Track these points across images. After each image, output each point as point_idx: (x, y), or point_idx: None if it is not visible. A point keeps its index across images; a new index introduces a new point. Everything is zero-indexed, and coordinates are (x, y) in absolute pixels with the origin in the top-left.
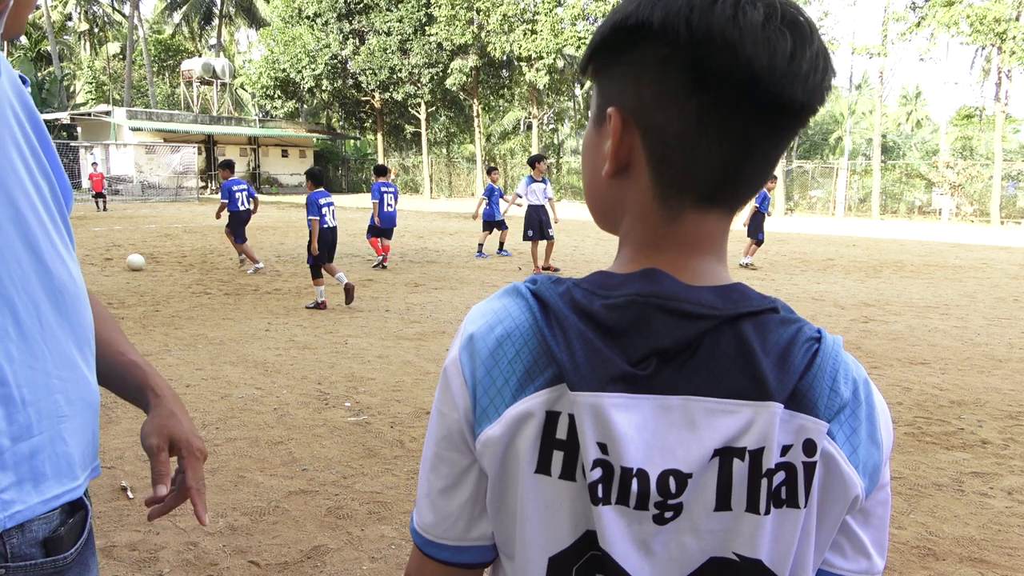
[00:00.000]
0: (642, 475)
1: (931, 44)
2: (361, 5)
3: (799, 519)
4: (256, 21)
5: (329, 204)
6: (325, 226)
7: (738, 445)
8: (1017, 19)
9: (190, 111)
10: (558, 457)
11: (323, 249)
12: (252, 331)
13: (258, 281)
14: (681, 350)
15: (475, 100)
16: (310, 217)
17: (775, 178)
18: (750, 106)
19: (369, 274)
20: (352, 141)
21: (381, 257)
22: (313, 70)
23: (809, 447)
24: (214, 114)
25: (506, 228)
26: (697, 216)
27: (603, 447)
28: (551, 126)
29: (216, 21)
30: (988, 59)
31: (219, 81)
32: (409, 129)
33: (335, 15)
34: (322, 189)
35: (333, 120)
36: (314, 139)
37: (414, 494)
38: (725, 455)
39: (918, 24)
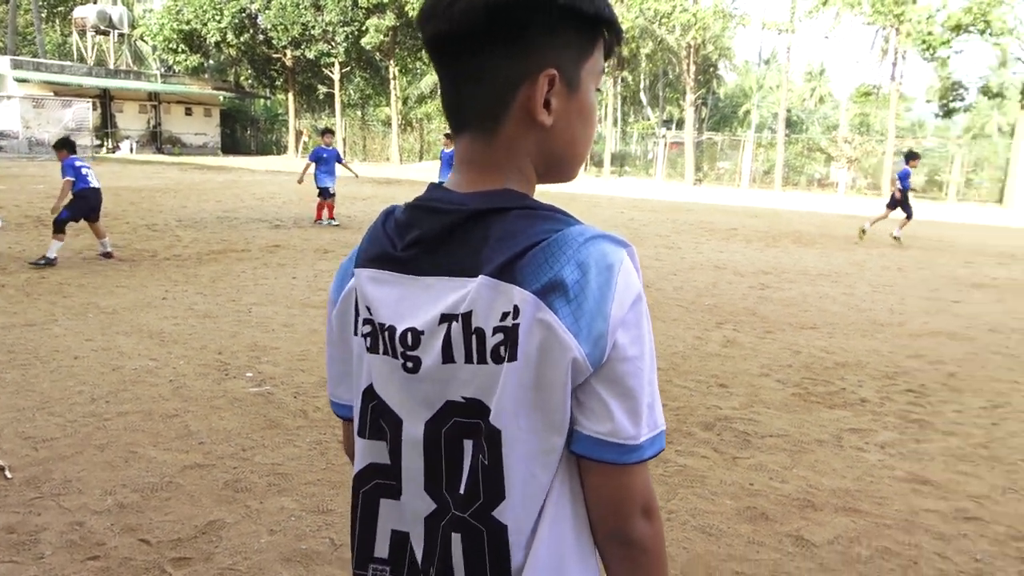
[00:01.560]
0: (391, 330)
1: (836, 23)
2: None
3: (515, 370)
4: None
5: (86, 167)
6: (88, 187)
7: (456, 311)
8: (914, 2)
9: (84, 63)
10: (361, 320)
11: (84, 209)
12: (148, 299)
13: (156, 246)
14: (436, 238)
15: (392, 61)
16: (65, 178)
17: (917, 156)
18: (427, 46)
19: (276, 239)
20: (262, 100)
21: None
22: (219, 23)
23: (515, 312)
24: (111, 67)
25: None
26: (458, 141)
27: (368, 309)
28: None
29: None
30: (886, 40)
31: (116, 31)
32: (322, 90)
33: None
34: (75, 156)
35: (242, 77)
36: (220, 97)
37: (316, 465)
38: (449, 320)
39: (824, 3)
